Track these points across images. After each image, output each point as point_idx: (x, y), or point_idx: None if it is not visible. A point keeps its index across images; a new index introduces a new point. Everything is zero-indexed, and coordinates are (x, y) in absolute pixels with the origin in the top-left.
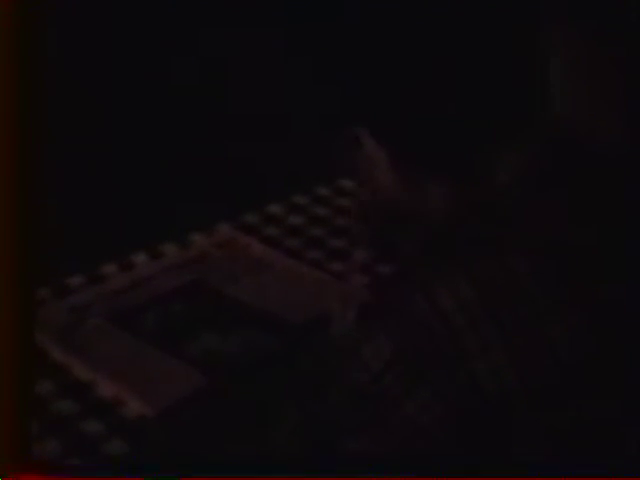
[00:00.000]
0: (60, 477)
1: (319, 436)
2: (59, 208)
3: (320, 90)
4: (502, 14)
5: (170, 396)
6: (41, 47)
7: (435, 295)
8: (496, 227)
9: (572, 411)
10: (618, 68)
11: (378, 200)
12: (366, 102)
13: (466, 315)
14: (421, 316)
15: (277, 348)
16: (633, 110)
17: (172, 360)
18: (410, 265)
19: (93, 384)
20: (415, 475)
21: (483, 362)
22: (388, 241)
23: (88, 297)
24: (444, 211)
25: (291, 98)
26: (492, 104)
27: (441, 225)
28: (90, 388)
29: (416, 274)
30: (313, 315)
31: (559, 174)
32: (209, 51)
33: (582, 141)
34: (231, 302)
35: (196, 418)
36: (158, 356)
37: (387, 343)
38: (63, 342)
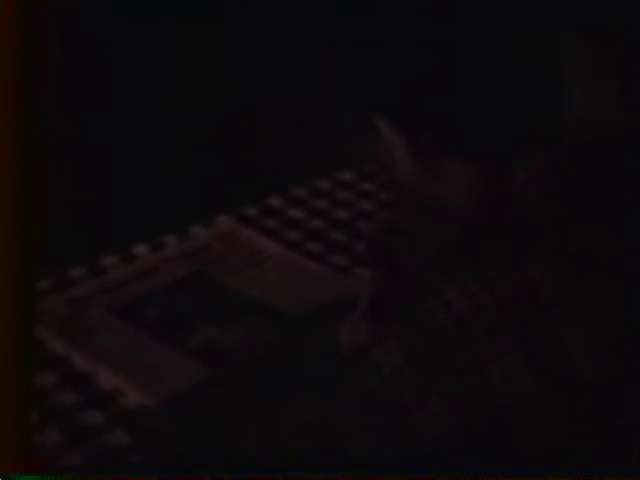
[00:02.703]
0: (60, 468)
1: (324, 435)
2: (60, 200)
3: (333, 78)
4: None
5: (171, 388)
6: (41, 46)
7: (450, 299)
8: (511, 230)
9: (587, 418)
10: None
11: (398, 189)
12: (383, 87)
13: (481, 320)
14: (435, 320)
15: (277, 340)
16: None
17: (173, 352)
18: (419, 273)
19: (94, 375)
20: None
21: (497, 368)
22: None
23: (89, 289)
24: (463, 198)
25: (292, 91)
26: (510, 89)
27: (460, 214)
28: (91, 379)
29: (430, 278)
30: (313, 307)
31: (579, 179)
32: (208, 47)
33: (600, 145)
34: (232, 294)
35: (197, 410)
36: (159, 348)
37: (399, 347)
38: (64, 334)
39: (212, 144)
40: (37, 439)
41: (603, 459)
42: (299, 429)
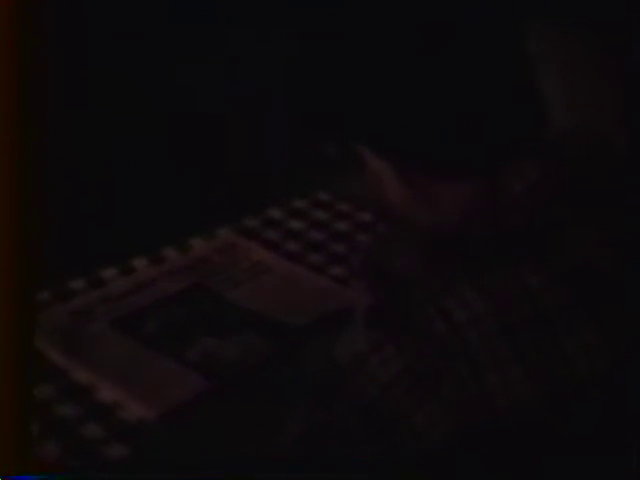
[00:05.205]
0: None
1: (323, 445)
2: (60, 212)
3: (316, 107)
4: (499, 27)
5: (171, 400)
6: (41, 47)
7: (448, 308)
8: (508, 238)
9: (585, 426)
10: (616, 72)
11: (387, 217)
12: (366, 117)
13: (479, 329)
14: (433, 329)
15: (277, 352)
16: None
17: (173, 364)
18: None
19: (94, 388)
20: None
21: (496, 376)
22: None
23: (89, 301)
24: (456, 220)
25: (289, 103)
26: (498, 110)
27: (452, 235)
28: (91, 392)
29: (428, 287)
30: (313, 318)
31: (573, 187)
32: (209, 52)
33: (595, 152)
34: (231, 306)
35: (197, 422)
36: (159, 360)
37: (398, 355)
38: (64, 346)
39: (211, 155)
40: (37, 451)
41: (602, 466)
42: (299, 438)
